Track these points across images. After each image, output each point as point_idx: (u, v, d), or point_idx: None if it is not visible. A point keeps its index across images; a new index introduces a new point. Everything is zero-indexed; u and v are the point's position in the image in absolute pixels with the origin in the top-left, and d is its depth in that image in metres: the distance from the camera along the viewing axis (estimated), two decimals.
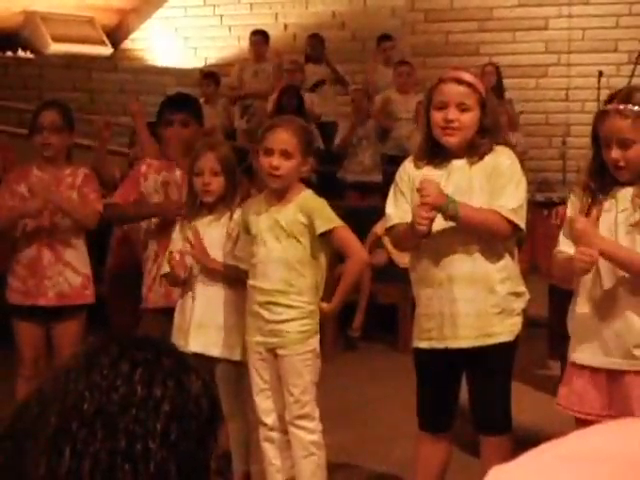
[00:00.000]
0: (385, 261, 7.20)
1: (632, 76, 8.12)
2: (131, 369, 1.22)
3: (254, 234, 3.96)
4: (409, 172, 3.71)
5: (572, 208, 3.46)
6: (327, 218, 3.92)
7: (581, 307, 3.43)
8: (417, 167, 3.69)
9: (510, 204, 3.54)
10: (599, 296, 3.36)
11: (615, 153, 3.29)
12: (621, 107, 3.30)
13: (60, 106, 5.00)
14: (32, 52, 11.38)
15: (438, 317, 3.64)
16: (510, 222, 3.54)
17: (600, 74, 8.86)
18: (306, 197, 3.97)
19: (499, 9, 10.73)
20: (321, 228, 3.88)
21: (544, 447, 0.74)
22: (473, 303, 3.59)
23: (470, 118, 3.58)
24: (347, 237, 3.96)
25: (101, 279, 5.63)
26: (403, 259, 5.91)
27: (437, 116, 3.60)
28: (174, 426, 1.20)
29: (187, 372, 1.26)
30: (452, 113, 3.56)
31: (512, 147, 3.79)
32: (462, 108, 3.56)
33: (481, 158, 3.60)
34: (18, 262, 4.86)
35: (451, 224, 3.53)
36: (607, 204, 3.36)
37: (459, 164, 3.62)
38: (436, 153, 3.65)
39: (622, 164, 3.29)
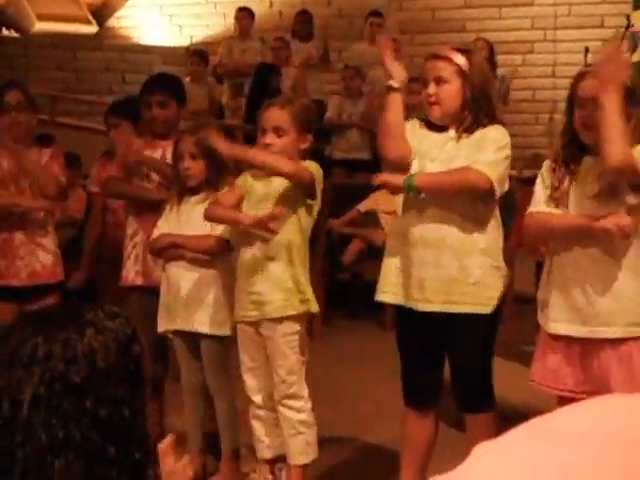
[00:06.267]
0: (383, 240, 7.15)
1: None
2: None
3: (249, 199, 3.94)
4: (415, 125, 3.73)
5: (543, 178, 3.48)
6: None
7: (554, 275, 3.44)
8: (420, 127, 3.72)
9: (484, 159, 3.52)
10: (572, 263, 3.37)
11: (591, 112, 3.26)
12: None
13: (22, 85, 5.07)
14: (17, 31, 11.30)
15: (407, 277, 3.64)
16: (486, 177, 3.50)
17: (587, 50, 8.83)
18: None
19: None
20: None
21: (530, 423, 0.74)
22: (444, 269, 3.57)
23: (448, 91, 3.59)
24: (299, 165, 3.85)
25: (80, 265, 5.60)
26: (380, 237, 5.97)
27: (422, 93, 3.65)
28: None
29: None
30: (430, 88, 3.60)
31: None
32: (439, 81, 3.59)
33: (470, 133, 3.60)
34: None
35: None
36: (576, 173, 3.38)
37: (452, 134, 3.64)
38: (433, 125, 3.68)
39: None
